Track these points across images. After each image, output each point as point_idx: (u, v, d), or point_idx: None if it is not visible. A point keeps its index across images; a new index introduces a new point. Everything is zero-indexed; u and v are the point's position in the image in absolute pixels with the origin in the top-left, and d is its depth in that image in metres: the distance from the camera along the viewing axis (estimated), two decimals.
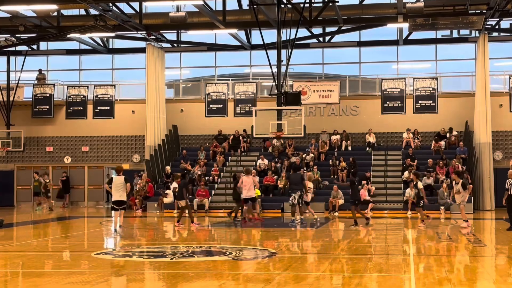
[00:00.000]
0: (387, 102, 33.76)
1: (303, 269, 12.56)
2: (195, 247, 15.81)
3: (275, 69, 28.86)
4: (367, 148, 33.02)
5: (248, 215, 23.38)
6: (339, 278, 11.24)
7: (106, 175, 34.39)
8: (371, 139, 33.15)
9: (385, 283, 10.68)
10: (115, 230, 19.16)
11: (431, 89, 33.52)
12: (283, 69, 28.31)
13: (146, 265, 13.05)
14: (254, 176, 26.03)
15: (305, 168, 31.13)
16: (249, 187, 23.21)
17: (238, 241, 17.57)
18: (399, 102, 33.70)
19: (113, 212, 19.83)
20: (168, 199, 29.65)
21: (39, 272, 12.09)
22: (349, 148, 33.30)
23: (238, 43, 34.53)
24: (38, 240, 18.79)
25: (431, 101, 33.42)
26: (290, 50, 28.06)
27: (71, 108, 36.18)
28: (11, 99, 35.99)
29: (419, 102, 33.54)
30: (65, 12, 32.55)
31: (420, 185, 21.88)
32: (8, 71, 36.72)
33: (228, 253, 14.41)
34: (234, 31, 32.43)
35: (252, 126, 28.69)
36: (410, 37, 34.07)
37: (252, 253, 14.71)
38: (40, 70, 37.06)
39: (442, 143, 32.38)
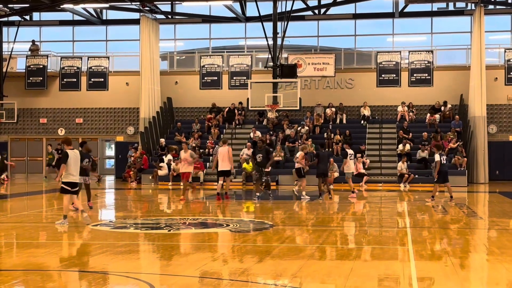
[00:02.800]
0: (382, 75, 33.69)
1: (300, 241, 12.61)
2: (192, 219, 15.83)
3: (270, 42, 28.69)
4: (362, 121, 33.00)
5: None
6: (337, 250, 11.27)
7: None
8: (366, 112, 33.12)
9: (383, 255, 10.73)
10: (64, 219, 14.22)
11: (426, 62, 33.44)
12: (278, 41, 28.15)
13: (143, 237, 13.06)
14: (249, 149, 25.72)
15: (300, 141, 31.14)
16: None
17: (235, 214, 17.60)
18: (394, 75, 33.62)
19: (68, 196, 14.35)
20: (163, 172, 29.65)
21: (36, 244, 12.07)
22: (344, 121, 33.28)
23: (233, 15, 34.30)
24: (33, 211, 18.76)
25: (426, 74, 33.36)
26: (285, 22, 27.89)
27: (65, 80, 35.98)
28: (4, 70, 35.75)
29: (414, 75, 33.48)
30: None
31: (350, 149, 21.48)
32: (0, 42, 36.45)
33: (225, 225, 14.43)
34: (229, 2, 32.19)
35: (248, 99, 28.64)
36: (405, 10, 33.91)
37: (249, 226, 14.73)
38: (33, 41, 36.75)
39: (437, 116, 32.39)
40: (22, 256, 10.53)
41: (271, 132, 32.12)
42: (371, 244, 11.91)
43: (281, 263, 9.89)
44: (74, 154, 14.31)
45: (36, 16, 37.29)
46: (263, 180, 21.79)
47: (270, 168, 21.94)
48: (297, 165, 22.16)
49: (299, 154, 22.34)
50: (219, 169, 20.61)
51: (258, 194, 21.19)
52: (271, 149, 23.79)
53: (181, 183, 21.61)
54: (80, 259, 10.31)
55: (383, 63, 33.71)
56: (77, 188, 14.60)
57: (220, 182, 20.66)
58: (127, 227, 14.35)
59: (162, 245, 11.77)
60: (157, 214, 18.11)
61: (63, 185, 14.23)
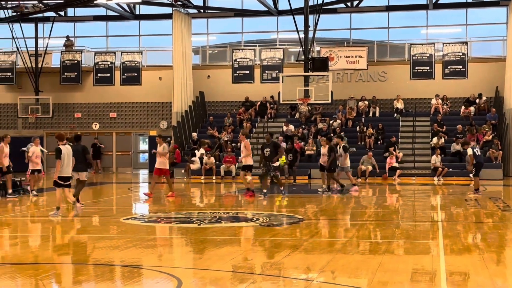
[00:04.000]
0: (416, 68, 33.34)
1: (330, 235, 12.56)
2: (222, 213, 15.87)
3: (302, 35, 28.56)
4: (395, 114, 32.72)
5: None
6: (366, 244, 11.21)
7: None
8: (399, 105, 32.83)
9: (413, 250, 10.63)
10: (57, 210, 14.81)
11: (460, 54, 33.00)
12: (310, 34, 28.02)
13: (174, 230, 13.14)
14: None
15: (332, 135, 30.99)
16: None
17: (265, 207, 17.60)
18: (428, 68, 33.25)
19: (60, 189, 14.88)
20: (195, 166, 29.80)
21: (67, 237, 12.22)
22: (377, 114, 33.05)
23: (265, 9, 34.23)
24: (67, 205, 18.98)
25: (461, 67, 32.92)
26: (317, 15, 27.74)
27: (99, 75, 36.34)
28: (39, 65, 36.24)
29: (448, 67, 33.07)
30: None
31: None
32: (36, 38, 36.90)
33: (255, 219, 14.45)
34: None
35: (279, 93, 28.59)
36: (440, 1, 33.46)
37: (279, 219, 14.73)
38: (67, 37, 37.17)
39: (472, 109, 31.97)
40: (54, 250, 10.67)
41: (303, 126, 32.06)
42: (402, 239, 11.81)
43: (310, 257, 9.88)
44: (66, 149, 14.83)
45: (70, 11, 37.68)
46: (272, 175, 20.98)
47: (278, 162, 20.85)
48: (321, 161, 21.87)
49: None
50: (248, 163, 19.82)
51: (265, 190, 19.92)
52: (279, 143, 22.85)
53: (162, 180, 20.95)
54: (110, 253, 10.40)
55: (416, 55, 33.36)
56: (69, 182, 15.09)
57: (249, 177, 20.07)
58: (158, 221, 14.44)
59: (192, 239, 11.83)
60: (189, 208, 18.20)
61: (56, 180, 14.77)
